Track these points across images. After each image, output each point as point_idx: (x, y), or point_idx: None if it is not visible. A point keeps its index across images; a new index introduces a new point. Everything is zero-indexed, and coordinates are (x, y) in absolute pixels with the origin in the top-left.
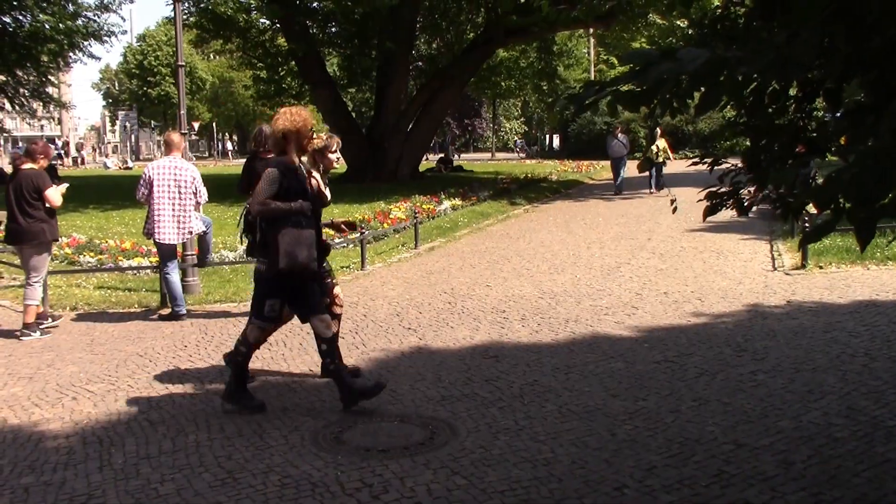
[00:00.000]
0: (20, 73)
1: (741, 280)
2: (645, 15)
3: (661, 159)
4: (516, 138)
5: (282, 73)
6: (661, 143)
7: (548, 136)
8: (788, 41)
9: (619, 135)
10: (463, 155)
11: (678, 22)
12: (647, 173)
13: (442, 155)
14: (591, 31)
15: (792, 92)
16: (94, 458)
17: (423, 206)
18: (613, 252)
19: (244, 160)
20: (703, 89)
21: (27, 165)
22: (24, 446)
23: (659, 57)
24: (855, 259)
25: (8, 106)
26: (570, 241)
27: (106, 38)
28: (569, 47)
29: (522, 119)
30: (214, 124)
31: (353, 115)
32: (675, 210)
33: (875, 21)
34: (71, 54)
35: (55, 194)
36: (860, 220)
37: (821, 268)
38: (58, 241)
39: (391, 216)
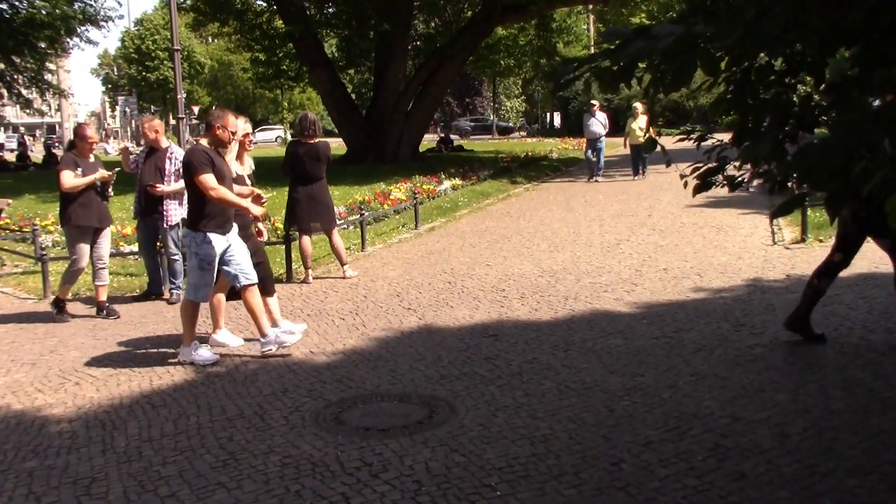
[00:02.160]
0: (18, 61)
1: (741, 255)
2: None
3: (642, 140)
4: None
5: (279, 56)
6: (642, 121)
7: (548, 114)
8: (758, 16)
9: (597, 112)
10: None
11: None
12: (629, 153)
13: (443, 135)
14: (591, 7)
15: (778, 67)
16: (97, 441)
17: (423, 187)
18: (613, 229)
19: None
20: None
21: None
22: (28, 431)
23: (633, 34)
24: None
25: (6, 96)
26: (570, 218)
27: (103, 23)
28: (568, 24)
29: (523, 97)
30: (214, 108)
31: (353, 96)
32: (686, 185)
33: None
34: (68, 40)
35: (63, 177)
36: (829, 194)
37: (820, 241)
38: (81, 226)
39: (391, 197)
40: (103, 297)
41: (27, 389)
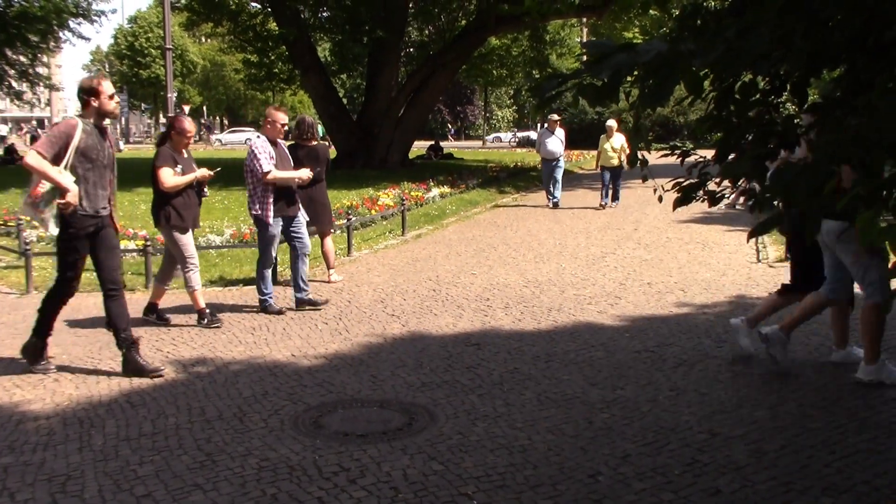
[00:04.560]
0: (9, 54)
1: (725, 272)
2: (640, 5)
3: (615, 163)
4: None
5: (272, 58)
6: (618, 140)
7: (539, 125)
8: (740, 35)
9: (557, 129)
10: (455, 143)
11: (675, 11)
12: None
13: (432, 142)
14: (584, 20)
15: (762, 86)
16: (74, 439)
17: (412, 193)
18: (599, 242)
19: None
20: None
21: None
22: (5, 427)
23: (615, 49)
24: None
25: None
26: (556, 230)
27: (95, 18)
28: (561, 37)
29: (515, 108)
30: (205, 108)
31: (345, 100)
32: (660, 199)
33: (828, 17)
34: (60, 34)
35: (164, 175)
36: (805, 215)
37: None
38: (187, 227)
39: (379, 203)
40: (202, 302)
41: (5, 385)
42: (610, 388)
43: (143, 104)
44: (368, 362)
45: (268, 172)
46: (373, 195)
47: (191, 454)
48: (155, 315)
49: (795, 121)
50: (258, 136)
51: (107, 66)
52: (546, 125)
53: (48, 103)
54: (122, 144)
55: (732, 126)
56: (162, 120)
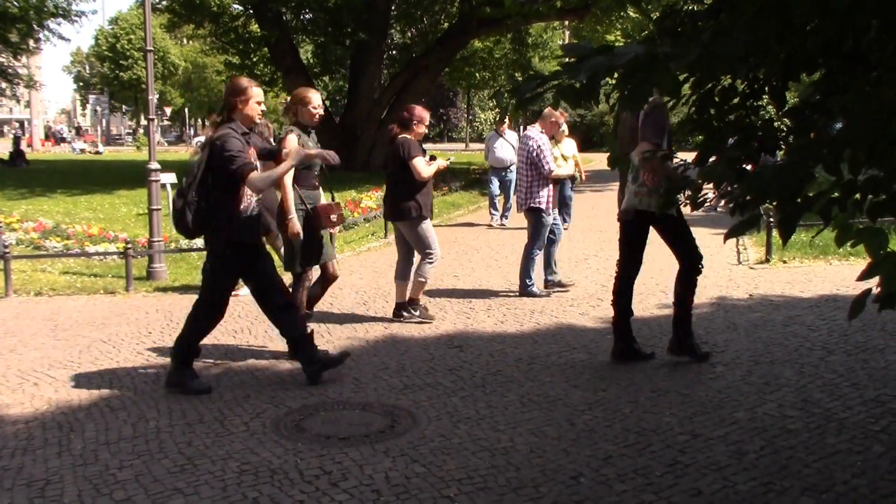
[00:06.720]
0: None
1: (706, 273)
2: (617, 7)
3: (564, 174)
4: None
5: (254, 60)
6: (569, 146)
7: (522, 128)
8: (715, 38)
9: (507, 132)
10: (437, 145)
11: (654, 15)
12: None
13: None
14: (566, 23)
15: (741, 89)
16: (54, 443)
17: None
18: (581, 244)
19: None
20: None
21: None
22: None
23: (593, 51)
24: (818, 254)
25: None
26: None
27: (75, 18)
28: (543, 39)
29: (497, 110)
30: (187, 110)
31: (327, 103)
32: (640, 202)
33: (803, 21)
34: (40, 35)
35: (420, 165)
36: (782, 216)
37: (784, 262)
38: (429, 217)
39: (362, 205)
40: (421, 294)
41: None
42: (592, 390)
43: (123, 106)
44: (350, 365)
45: (551, 171)
46: (355, 198)
47: (171, 458)
48: (405, 311)
49: (775, 123)
50: (542, 132)
51: (87, 67)
52: (495, 129)
53: (27, 104)
54: (100, 146)
55: (713, 129)
56: (143, 122)
